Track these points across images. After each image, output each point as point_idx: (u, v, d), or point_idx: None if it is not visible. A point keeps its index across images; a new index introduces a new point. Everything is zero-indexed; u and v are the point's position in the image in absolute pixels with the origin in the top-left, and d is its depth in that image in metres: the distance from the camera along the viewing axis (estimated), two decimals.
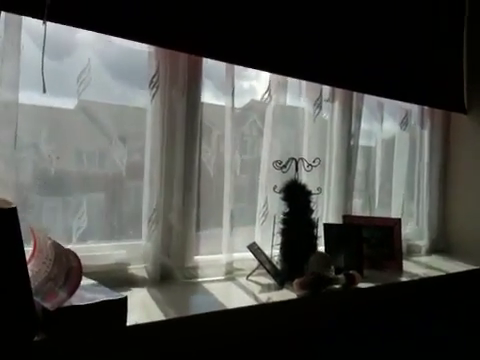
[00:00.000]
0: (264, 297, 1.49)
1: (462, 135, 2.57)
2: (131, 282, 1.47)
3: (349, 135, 2.10)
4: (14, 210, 0.99)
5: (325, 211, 2.09)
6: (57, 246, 1.14)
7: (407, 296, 1.88)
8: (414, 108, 2.46)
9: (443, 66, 2.39)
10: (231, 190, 1.69)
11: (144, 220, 1.52)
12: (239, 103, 1.74)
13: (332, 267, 1.73)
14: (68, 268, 1.10)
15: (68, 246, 1.38)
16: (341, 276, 1.66)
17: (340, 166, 2.09)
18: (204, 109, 1.64)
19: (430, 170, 2.55)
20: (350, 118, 2.11)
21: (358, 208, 2.25)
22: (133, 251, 1.51)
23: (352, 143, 2.11)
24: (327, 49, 1.84)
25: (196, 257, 1.66)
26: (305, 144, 1.96)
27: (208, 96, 1.66)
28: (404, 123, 2.40)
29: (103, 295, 1.14)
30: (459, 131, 2.59)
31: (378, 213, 2.33)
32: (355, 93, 2.10)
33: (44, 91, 0.99)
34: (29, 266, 1.16)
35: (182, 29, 1.42)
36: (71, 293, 1.03)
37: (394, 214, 2.41)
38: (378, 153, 2.33)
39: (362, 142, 2.20)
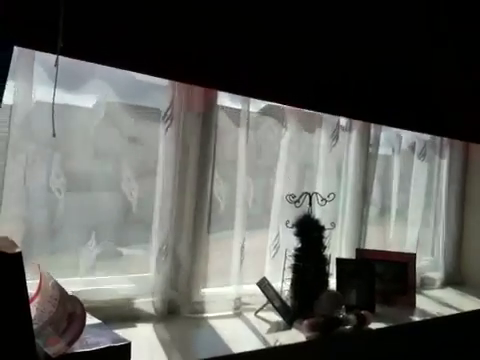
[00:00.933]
0: (272, 338, 1.46)
1: None
2: (137, 317, 1.45)
3: (365, 166, 2.06)
4: (19, 255, 0.98)
5: (338, 244, 2.05)
6: (61, 288, 1.11)
7: (420, 337, 1.83)
8: (432, 138, 2.40)
9: (462, 96, 2.33)
10: (242, 222, 1.66)
11: (153, 253, 1.50)
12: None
13: (343, 306, 1.69)
14: (71, 313, 1.08)
15: (75, 278, 1.39)
16: (352, 316, 1.62)
17: (355, 198, 2.05)
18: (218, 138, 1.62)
19: (448, 201, 2.49)
20: (367, 149, 2.06)
21: (373, 239, 2.20)
22: (141, 284, 1.49)
23: (368, 174, 2.07)
24: (345, 82, 1.79)
25: (204, 290, 1.63)
26: (320, 175, 1.92)
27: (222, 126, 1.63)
28: (422, 154, 2.35)
29: (107, 339, 1.11)
30: (478, 161, 2.53)
31: (393, 244, 2.27)
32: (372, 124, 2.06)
33: (54, 135, 0.97)
34: (34, 304, 1.15)
35: (197, 63, 1.39)
36: (72, 343, 1.01)
37: (409, 245, 2.36)
38: (394, 184, 2.28)
39: (378, 172, 2.15)
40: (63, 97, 1.22)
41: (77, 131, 1.36)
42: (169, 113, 1.47)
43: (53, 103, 0.97)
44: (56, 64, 0.96)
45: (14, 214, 1.22)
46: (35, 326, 1.07)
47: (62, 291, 1.13)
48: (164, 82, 1.46)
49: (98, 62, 1.22)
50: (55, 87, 0.98)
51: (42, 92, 1.20)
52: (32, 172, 1.25)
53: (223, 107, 1.62)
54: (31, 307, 1.12)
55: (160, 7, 1.28)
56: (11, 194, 1.21)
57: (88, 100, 1.37)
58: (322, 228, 1.73)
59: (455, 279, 2.51)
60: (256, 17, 1.50)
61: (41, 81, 1.22)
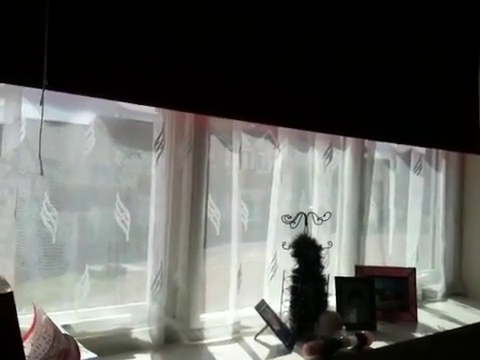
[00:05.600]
0: None
1: (478, 175, 2.51)
2: (135, 347, 1.43)
3: (361, 183, 2.05)
4: (10, 295, 0.97)
5: (337, 261, 2.03)
6: (54, 325, 1.10)
7: (422, 353, 1.81)
8: (428, 151, 2.40)
9: (458, 109, 2.33)
10: (238, 246, 1.65)
11: (149, 281, 1.48)
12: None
13: (343, 327, 1.67)
14: (66, 349, 1.06)
15: (70, 311, 1.38)
16: (353, 337, 1.60)
17: (352, 216, 2.04)
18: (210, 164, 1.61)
19: (445, 212, 2.48)
20: (362, 166, 2.06)
21: (371, 253, 2.18)
22: (137, 314, 1.47)
23: (364, 192, 2.06)
24: (337, 99, 1.80)
25: (202, 315, 1.61)
26: (315, 194, 1.91)
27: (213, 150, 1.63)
28: (418, 167, 2.34)
29: None
30: (475, 171, 2.53)
31: (393, 258, 2.26)
32: (366, 140, 2.05)
33: (41, 173, 0.97)
34: (28, 340, 1.14)
35: (186, 90, 1.39)
36: None
37: (409, 258, 2.34)
38: (391, 198, 2.27)
39: (375, 188, 2.14)
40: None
41: (67, 162, 1.36)
42: (160, 140, 1.47)
43: (40, 143, 0.97)
44: (41, 103, 0.96)
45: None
46: None
47: (55, 327, 1.12)
48: (154, 109, 1.46)
49: (84, 94, 1.22)
50: (41, 128, 0.98)
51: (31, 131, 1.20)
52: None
53: (214, 131, 1.61)
54: (25, 344, 1.11)
55: (143, 37, 1.29)
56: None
57: (78, 132, 1.36)
58: (319, 248, 1.72)
59: (456, 290, 2.50)
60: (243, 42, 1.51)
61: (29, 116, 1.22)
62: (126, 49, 1.25)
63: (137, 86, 1.30)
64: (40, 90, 1.05)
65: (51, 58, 1.09)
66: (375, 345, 1.64)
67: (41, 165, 0.96)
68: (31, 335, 1.18)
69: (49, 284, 1.34)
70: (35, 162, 1.11)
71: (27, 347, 1.09)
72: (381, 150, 2.16)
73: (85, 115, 1.36)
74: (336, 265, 2.02)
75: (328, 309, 1.72)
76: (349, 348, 1.58)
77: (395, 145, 2.20)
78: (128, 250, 1.47)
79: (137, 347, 1.43)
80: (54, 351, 1.10)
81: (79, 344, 1.17)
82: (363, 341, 1.60)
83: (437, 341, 1.87)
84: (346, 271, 2.03)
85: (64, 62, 1.15)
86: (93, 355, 1.20)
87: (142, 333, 1.46)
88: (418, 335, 1.84)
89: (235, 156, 1.64)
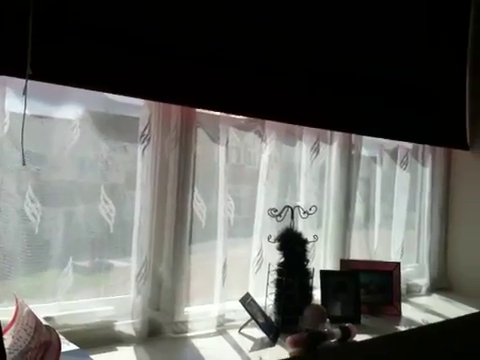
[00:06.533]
0: (255, 356, 1.45)
1: (464, 171, 2.53)
2: (118, 340, 1.43)
3: (347, 178, 2.06)
4: None
5: (323, 256, 2.04)
6: (35, 316, 1.10)
7: (406, 346, 1.83)
8: (415, 146, 2.41)
9: (445, 103, 2.35)
10: (224, 239, 1.65)
11: (133, 274, 1.48)
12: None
13: (327, 320, 1.69)
14: (47, 341, 1.06)
15: (53, 304, 1.37)
16: (336, 330, 1.61)
17: (338, 210, 2.05)
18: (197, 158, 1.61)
19: (431, 207, 2.51)
20: (349, 161, 2.06)
21: (357, 248, 2.19)
22: (121, 306, 1.47)
23: (351, 186, 2.07)
24: (324, 92, 1.80)
25: (187, 309, 1.61)
26: (302, 189, 1.91)
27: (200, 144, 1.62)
28: (404, 162, 2.36)
29: None
30: (461, 167, 2.55)
31: (378, 253, 2.28)
32: (353, 134, 2.06)
33: (23, 164, 0.96)
34: (10, 331, 1.13)
35: (173, 82, 1.38)
36: None
37: (394, 252, 2.36)
38: (377, 192, 2.28)
39: (361, 183, 2.15)
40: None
41: (51, 155, 1.35)
42: (146, 132, 1.46)
43: (22, 131, 0.96)
44: (25, 92, 0.95)
45: None
46: (11, 356, 1.06)
47: (37, 319, 1.11)
48: (140, 101, 1.45)
49: (70, 85, 1.21)
50: (24, 117, 0.97)
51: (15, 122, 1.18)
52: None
53: (201, 125, 1.61)
54: (7, 336, 1.10)
55: (131, 26, 1.28)
56: None
57: (63, 125, 1.35)
58: (305, 241, 1.73)
59: (441, 284, 2.52)
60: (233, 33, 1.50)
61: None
62: (111, 40, 1.24)
63: (122, 77, 1.29)
64: (24, 81, 1.04)
65: (36, 48, 1.09)
66: (359, 338, 1.66)
67: (23, 154, 0.95)
68: (12, 327, 1.17)
69: (32, 277, 1.33)
70: (19, 154, 1.09)
71: (8, 339, 1.09)
72: (368, 145, 2.16)
73: (70, 108, 1.35)
74: (322, 259, 2.03)
75: (313, 302, 1.73)
76: (333, 341, 1.59)
77: (383, 140, 2.21)
78: (113, 243, 1.46)
79: (120, 340, 1.43)
80: (35, 343, 1.09)
81: (61, 336, 1.17)
82: (347, 334, 1.62)
83: (421, 334, 1.90)
84: (332, 265, 2.04)
85: (49, 52, 1.14)
86: (75, 347, 1.19)
87: (125, 326, 1.46)
88: (402, 328, 1.86)
89: (222, 150, 1.64)
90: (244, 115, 1.65)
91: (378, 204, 2.28)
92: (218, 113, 1.60)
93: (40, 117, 1.28)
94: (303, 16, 1.68)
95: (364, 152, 2.14)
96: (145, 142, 1.46)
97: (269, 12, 1.58)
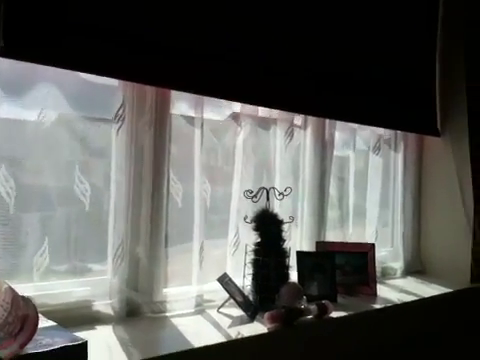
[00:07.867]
0: (234, 332, 1.47)
1: (435, 157, 2.60)
2: (96, 320, 1.43)
3: (322, 162, 2.10)
4: None
5: (299, 238, 2.07)
6: (13, 290, 1.10)
7: (381, 323, 1.87)
8: (387, 132, 2.47)
9: (416, 90, 2.42)
10: (201, 221, 1.67)
11: (110, 254, 1.48)
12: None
13: (304, 297, 1.72)
14: (24, 315, 1.06)
15: (30, 284, 1.37)
16: (313, 306, 1.64)
17: (313, 193, 2.09)
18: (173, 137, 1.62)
19: (404, 192, 2.56)
20: (323, 145, 2.10)
21: (332, 233, 2.24)
22: (98, 287, 1.47)
23: (325, 170, 2.11)
24: (298, 77, 1.84)
25: (165, 290, 1.62)
26: (277, 171, 1.95)
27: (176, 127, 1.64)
28: (377, 148, 2.41)
29: (62, 339, 1.10)
30: (432, 153, 2.62)
31: (353, 237, 2.32)
32: (327, 120, 2.10)
33: None
34: None
35: (149, 61, 1.40)
36: (24, 345, 1.00)
37: (368, 237, 2.41)
38: (351, 178, 2.33)
39: (335, 167, 2.20)
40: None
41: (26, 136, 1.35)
42: (120, 113, 1.47)
43: None
44: None
45: None
46: None
47: (15, 294, 1.11)
48: (114, 82, 1.46)
49: (42, 63, 1.22)
50: None
51: None
52: None
53: (176, 106, 1.63)
54: None
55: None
56: None
57: (35, 106, 1.35)
58: (280, 222, 1.75)
59: (415, 268, 2.59)
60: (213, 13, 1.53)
61: None
62: (88, 19, 1.26)
63: (96, 57, 1.30)
64: None
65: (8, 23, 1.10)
66: (335, 315, 1.69)
67: None
68: None
69: (7, 256, 1.32)
70: None
71: None
72: (341, 129, 2.21)
73: (43, 86, 1.35)
74: (298, 241, 2.06)
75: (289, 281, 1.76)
76: (309, 317, 1.63)
77: (355, 125, 2.26)
78: (88, 223, 1.47)
79: (99, 319, 1.43)
80: (12, 317, 1.09)
81: (39, 314, 1.17)
82: (323, 310, 1.65)
83: (396, 311, 1.95)
84: (308, 247, 2.07)
85: (21, 28, 1.15)
86: (53, 323, 1.19)
87: (104, 306, 1.46)
88: (377, 306, 1.90)
89: (197, 132, 1.66)
90: (220, 98, 1.67)
91: (352, 188, 2.32)
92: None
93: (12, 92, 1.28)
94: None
95: (337, 137, 2.18)
96: (119, 122, 1.46)
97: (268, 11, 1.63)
